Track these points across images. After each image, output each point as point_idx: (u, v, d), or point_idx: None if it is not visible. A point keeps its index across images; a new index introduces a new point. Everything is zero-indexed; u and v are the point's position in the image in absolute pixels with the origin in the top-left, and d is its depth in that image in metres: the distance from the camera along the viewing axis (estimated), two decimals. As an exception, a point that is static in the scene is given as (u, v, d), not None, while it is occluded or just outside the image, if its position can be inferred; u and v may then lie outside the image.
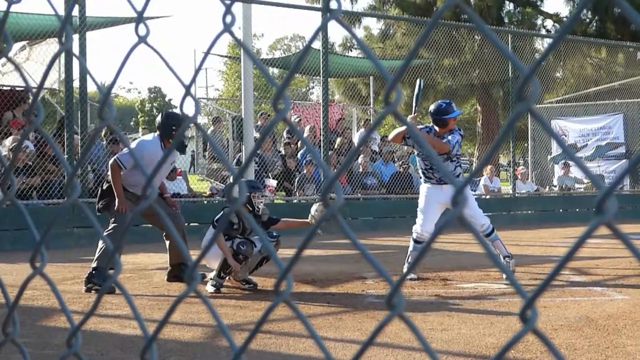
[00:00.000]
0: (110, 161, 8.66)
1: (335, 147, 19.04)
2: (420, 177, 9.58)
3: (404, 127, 9.23)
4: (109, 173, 8.69)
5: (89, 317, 1.58)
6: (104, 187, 8.83)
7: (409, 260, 9.35)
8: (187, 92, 1.38)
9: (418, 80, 9.47)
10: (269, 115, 20.76)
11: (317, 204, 8.77)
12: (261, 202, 8.62)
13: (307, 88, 62.55)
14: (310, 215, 8.57)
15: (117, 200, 8.45)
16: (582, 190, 22.29)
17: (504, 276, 9.03)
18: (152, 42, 1.50)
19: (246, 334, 6.09)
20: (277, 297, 1.25)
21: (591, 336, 6.05)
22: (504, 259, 9.20)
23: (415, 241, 9.33)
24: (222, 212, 8.59)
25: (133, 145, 8.79)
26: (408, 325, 1.14)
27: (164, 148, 8.74)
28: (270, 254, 1.32)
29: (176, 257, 9.10)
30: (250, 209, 8.38)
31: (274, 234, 8.52)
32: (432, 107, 9.35)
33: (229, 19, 1.29)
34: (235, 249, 8.27)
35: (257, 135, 16.41)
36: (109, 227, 8.58)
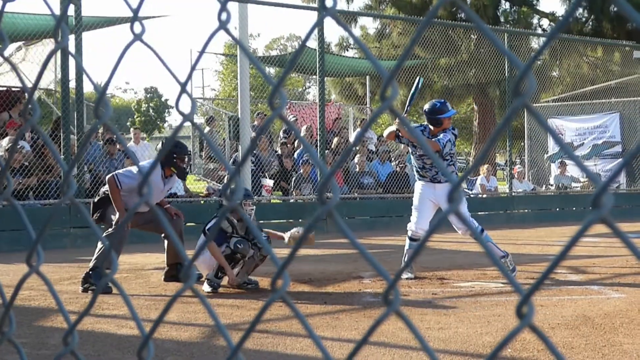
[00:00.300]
0: (108, 176, 8.66)
1: (332, 146, 19.04)
2: (415, 175, 9.62)
3: (395, 126, 9.24)
4: (105, 187, 8.72)
5: (85, 315, 1.58)
6: (96, 200, 8.88)
7: (406, 258, 9.35)
8: (183, 90, 1.38)
9: (417, 78, 9.47)
10: (265, 115, 20.76)
11: (295, 228, 8.75)
12: (252, 210, 8.64)
13: (304, 88, 62.50)
14: (288, 236, 8.53)
15: (118, 214, 8.46)
16: (578, 189, 22.31)
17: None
18: (149, 41, 1.50)
19: (243, 333, 6.09)
20: (274, 294, 1.25)
21: (588, 335, 6.06)
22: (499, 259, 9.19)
23: (411, 239, 9.34)
24: (213, 220, 8.57)
25: (135, 169, 8.79)
26: (404, 322, 1.14)
27: (165, 176, 8.78)
28: (266, 250, 1.32)
29: (173, 257, 9.12)
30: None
31: (264, 235, 8.58)
32: (426, 107, 9.34)
33: (224, 16, 1.29)
34: (233, 247, 8.27)
35: (254, 135, 16.42)
36: (108, 230, 8.60)
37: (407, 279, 9.06)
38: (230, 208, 1.30)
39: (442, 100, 9.45)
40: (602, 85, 24.49)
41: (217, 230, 8.40)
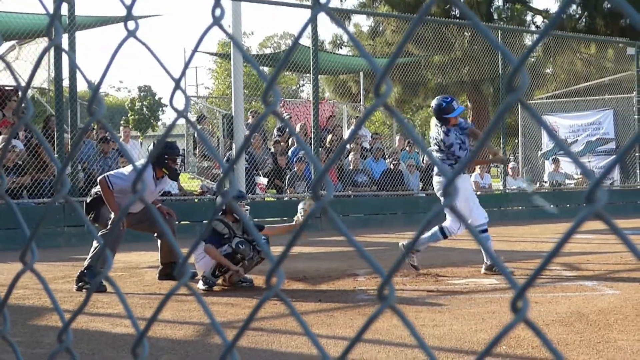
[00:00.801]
0: (100, 178, 8.64)
1: (326, 144, 19.04)
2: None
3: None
4: (97, 188, 8.70)
5: (79, 313, 1.57)
6: (88, 201, 8.86)
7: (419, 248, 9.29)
8: (177, 86, 1.38)
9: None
10: (258, 113, 20.75)
11: (304, 201, 8.76)
12: (247, 210, 8.64)
13: (298, 86, 62.54)
14: (298, 212, 8.57)
15: (113, 215, 8.45)
16: (572, 185, 22.34)
17: (494, 268, 9.07)
18: (142, 40, 1.50)
19: (237, 331, 6.08)
20: (269, 291, 1.25)
21: (582, 331, 6.06)
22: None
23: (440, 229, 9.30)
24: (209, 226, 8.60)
25: (126, 170, 8.78)
26: (399, 317, 1.14)
27: (156, 177, 8.75)
28: (263, 251, 1.32)
29: (167, 256, 9.11)
30: (237, 217, 8.37)
31: (262, 236, 8.58)
32: (433, 103, 9.19)
33: (218, 12, 1.29)
34: (234, 247, 8.27)
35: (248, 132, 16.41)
36: (103, 230, 8.59)
37: (412, 265, 9.07)
38: (224, 205, 1.30)
39: (449, 99, 9.13)
40: (595, 82, 24.52)
41: (210, 229, 8.41)
